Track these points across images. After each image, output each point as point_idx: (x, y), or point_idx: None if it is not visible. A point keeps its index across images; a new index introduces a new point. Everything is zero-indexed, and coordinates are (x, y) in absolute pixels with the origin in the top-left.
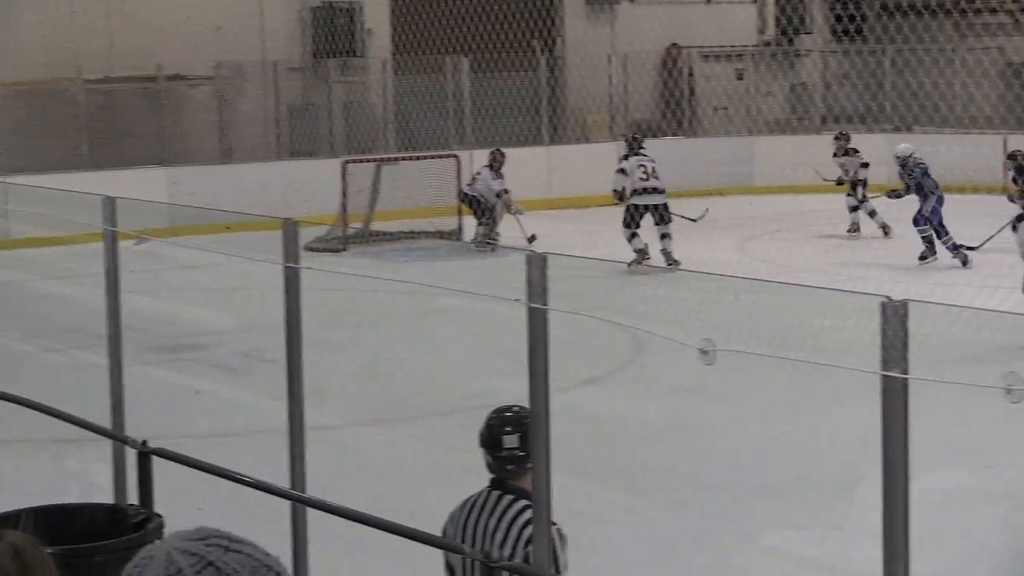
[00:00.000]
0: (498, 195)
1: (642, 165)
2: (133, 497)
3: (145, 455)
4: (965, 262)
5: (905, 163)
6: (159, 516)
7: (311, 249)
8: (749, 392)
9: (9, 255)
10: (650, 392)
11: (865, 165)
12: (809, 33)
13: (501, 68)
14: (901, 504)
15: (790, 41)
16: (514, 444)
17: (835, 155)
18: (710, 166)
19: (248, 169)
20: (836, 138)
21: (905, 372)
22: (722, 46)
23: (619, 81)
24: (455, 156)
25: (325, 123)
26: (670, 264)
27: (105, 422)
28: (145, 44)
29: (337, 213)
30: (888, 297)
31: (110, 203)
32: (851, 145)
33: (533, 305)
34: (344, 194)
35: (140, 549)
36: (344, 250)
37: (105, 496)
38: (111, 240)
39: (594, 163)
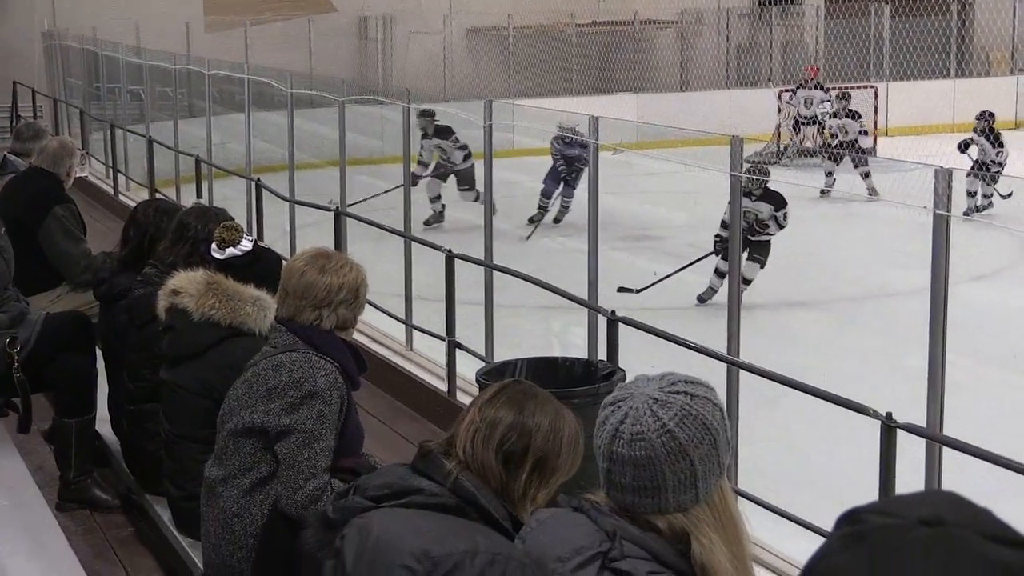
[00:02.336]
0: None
1: None
2: (602, 354)
3: (613, 322)
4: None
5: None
6: (622, 370)
7: (749, 162)
8: None
9: (514, 161)
10: None
11: None
12: None
13: (917, 12)
14: None
15: None
16: None
17: None
18: None
19: (702, 96)
20: None
21: None
22: None
23: (1022, 23)
24: (874, 87)
25: (765, 59)
26: None
27: (583, 294)
28: None
29: (772, 133)
30: None
31: (594, 121)
32: None
33: (938, 212)
34: (778, 117)
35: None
36: (777, 164)
37: (580, 352)
38: (594, 151)
39: (994, 94)
